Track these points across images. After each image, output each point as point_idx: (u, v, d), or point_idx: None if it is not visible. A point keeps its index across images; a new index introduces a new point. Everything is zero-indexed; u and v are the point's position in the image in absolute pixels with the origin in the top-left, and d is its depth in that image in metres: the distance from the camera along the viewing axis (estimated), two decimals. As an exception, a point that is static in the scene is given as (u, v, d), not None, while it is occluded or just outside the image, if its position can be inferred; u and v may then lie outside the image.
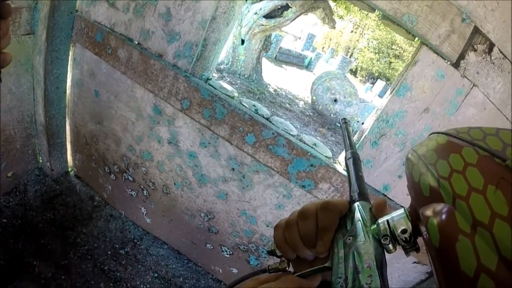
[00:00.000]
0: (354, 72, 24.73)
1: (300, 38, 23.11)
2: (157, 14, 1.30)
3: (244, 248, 1.54)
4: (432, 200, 0.24)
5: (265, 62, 9.72)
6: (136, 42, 1.37)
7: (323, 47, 27.04)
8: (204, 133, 1.32)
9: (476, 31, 1.11)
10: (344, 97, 7.00)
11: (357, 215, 0.33)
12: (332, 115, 6.88)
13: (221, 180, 1.39)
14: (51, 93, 1.63)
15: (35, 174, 1.91)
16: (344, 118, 0.52)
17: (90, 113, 1.66)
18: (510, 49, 1.13)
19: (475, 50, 1.13)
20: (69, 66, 1.66)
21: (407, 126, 1.15)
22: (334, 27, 6.23)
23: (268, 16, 6.16)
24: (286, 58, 13.63)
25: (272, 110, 5.75)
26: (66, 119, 1.78)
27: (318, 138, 5.53)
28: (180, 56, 1.27)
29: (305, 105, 7.57)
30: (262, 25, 6.22)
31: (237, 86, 6.00)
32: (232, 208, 1.43)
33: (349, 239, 0.31)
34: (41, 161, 1.90)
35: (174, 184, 1.52)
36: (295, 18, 6.16)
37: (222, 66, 6.69)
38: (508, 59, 1.15)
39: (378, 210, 0.32)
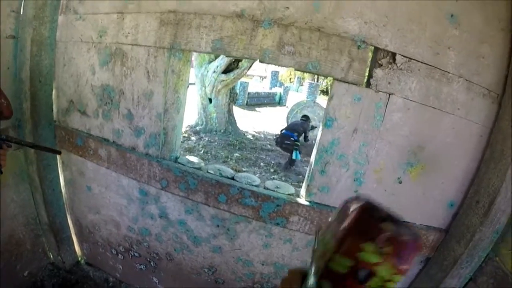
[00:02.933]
0: (325, 92, 26.99)
1: (265, 77, 24.76)
2: (122, 116, 1.75)
3: (251, 289, 1.89)
4: None
5: (238, 111, 10.87)
6: (112, 141, 1.82)
7: (290, 79, 28.95)
8: (186, 202, 1.71)
9: (376, 49, 1.41)
10: (320, 121, 7.88)
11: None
12: (313, 141, 7.75)
13: (211, 237, 1.76)
14: (49, 196, 2.06)
15: (48, 269, 2.30)
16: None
17: (87, 206, 2.08)
18: (412, 50, 1.40)
19: (381, 65, 1.42)
20: (59, 169, 2.11)
21: (344, 149, 1.50)
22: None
23: (226, 70, 7.08)
24: (257, 101, 15.18)
25: (255, 155, 6.41)
26: (67, 215, 2.21)
27: (306, 168, 6.07)
28: (149, 146, 1.70)
29: None
30: (223, 80, 7.15)
31: (216, 143, 6.76)
32: (228, 257, 1.80)
33: None
34: (51, 256, 2.30)
35: (175, 250, 1.90)
36: (251, 65, 7.13)
37: (198, 128, 7.57)
38: (414, 59, 1.41)
39: None
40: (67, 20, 1.82)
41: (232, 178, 1.67)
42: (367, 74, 1.48)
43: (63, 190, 2.12)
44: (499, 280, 1.42)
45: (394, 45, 1.40)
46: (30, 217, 2.07)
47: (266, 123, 10.60)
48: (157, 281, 2.09)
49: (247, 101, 14.14)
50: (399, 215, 0.71)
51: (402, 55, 1.41)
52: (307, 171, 1.63)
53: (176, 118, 1.69)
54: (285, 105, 16.36)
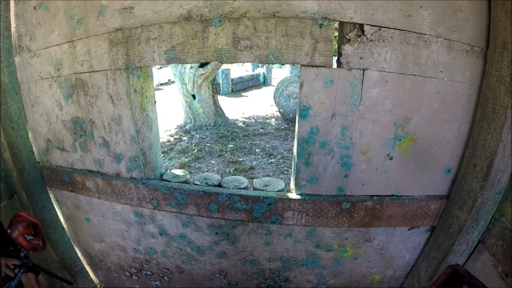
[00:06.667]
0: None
1: (246, 60, 24.66)
2: (98, 145, 1.74)
3: (264, 285, 1.93)
4: None
5: (225, 100, 10.97)
6: (96, 171, 1.84)
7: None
8: (180, 217, 1.73)
9: (341, 24, 1.31)
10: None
11: None
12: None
13: (213, 244, 1.78)
14: (52, 235, 2.10)
15: (71, 303, 2.41)
16: None
17: (90, 236, 2.14)
18: (381, 17, 1.29)
19: (349, 40, 1.32)
20: (56, 207, 2.17)
21: (326, 136, 1.44)
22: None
23: (203, 64, 6.98)
24: (242, 86, 15.14)
25: (249, 143, 6.46)
26: (75, 248, 2.29)
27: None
28: (131, 169, 1.70)
29: (277, 120, 8.53)
30: (202, 74, 7.12)
31: (208, 138, 6.79)
32: (235, 260, 1.82)
33: None
34: (71, 291, 2.40)
35: (183, 262, 1.94)
36: (227, 55, 7.08)
37: (187, 127, 7.58)
38: (385, 27, 1.31)
39: None
40: (23, 60, 1.80)
41: (219, 185, 1.67)
42: (335, 53, 1.41)
43: (64, 226, 2.18)
44: (507, 240, 1.39)
45: (360, 15, 1.29)
46: (40, 259, 2.15)
47: (254, 106, 10.64)
48: (174, 293, 2.17)
49: (232, 88, 14.19)
50: (480, 282, 0.82)
51: (371, 25, 1.31)
52: (292, 165, 1.61)
53: (150, 136, 1.67)
54: (270, 84, 16.40)
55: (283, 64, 1.65)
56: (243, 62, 1.41)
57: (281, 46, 1.35)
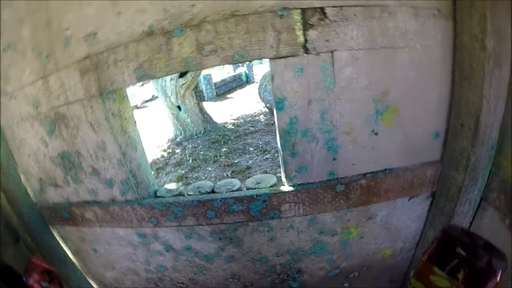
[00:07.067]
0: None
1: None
2: (89, 174, 1.75)
3: (279, 281, 1.93)
4: None
5: (211, 106, 11.06)
6: (92, 201, 1.85)
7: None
8: (182, 229, 1.73)
9: (303, 11, 1.30)
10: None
11: None
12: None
13: (220, 250, 1.78)
14: (64, 272, 2.09)
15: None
16: None
17: (101, 266, 2.14)
18: None
19: (312, 25, 1.32)
20: (62, 244, 2.18)
21: (306, 123, 1.44)
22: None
23: (182, 73, 6.96)
24: (226, 88, 15.16)
25: (241, 143, 6.49)
26: (89, 280, 2.30)
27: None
28: (125, 192, 1.71)
29: (266, 115, 8.57)
30: (183, 84, 7.12)
31: (201, 147, 6.80)
32: (244, 262, 1.82)
33: None
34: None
35: (195, 274, 1.95)
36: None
37: (178, 139, 7.59)
38: (346, 6, 1.31)
39: None
40: (2, 103, 1.82)
41: (213, 191, 1.67)
42: (301, 40, 1.40)
43: (74, 260, 2.19)
44: (508, 193, 1.37)
45: (320, -2, 1.28)
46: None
47: (241, 106, 10.69)
48: (194, 306, 2.18)
49: (216, 92, 14.19)
50: (481, 239, 0.73)
51: (332, 7, 1.31)
52: (279, 158, 1.61)
53: (136, 157, 1.68)
54: (254, 81, 16.43)
55: (250, 62, 1.65)
56: (210, 67, 1.42)
57: (245, 44, 1.36)
